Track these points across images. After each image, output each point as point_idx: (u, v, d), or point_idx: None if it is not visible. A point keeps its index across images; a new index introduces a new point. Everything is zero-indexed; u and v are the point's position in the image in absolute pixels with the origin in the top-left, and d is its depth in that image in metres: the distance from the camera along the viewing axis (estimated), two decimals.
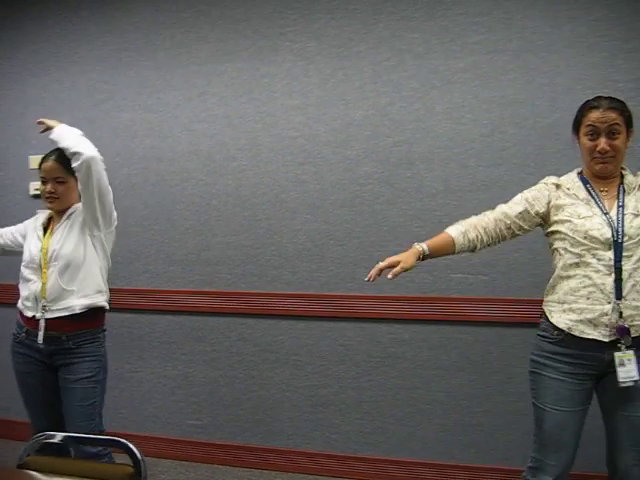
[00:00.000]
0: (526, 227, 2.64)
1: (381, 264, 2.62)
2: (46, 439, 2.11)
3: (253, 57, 3.87)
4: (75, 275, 2.96)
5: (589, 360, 2.48)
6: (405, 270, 2.58)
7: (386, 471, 3.77)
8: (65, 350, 2.95)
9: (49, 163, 3.03)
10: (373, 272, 2.63)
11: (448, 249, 2.68)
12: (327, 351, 3.84)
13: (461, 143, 3.57)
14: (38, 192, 4.23)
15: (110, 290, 4.05)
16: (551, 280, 2.63)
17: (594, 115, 2.52)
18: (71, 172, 3.01)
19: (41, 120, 3.06)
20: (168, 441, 4.13)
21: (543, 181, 2.70)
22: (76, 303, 2.95)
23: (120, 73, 4.15)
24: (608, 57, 3.36)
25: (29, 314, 2.98)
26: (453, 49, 3.56)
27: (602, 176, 2.55)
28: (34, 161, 4.31)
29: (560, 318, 2.52)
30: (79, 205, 3.05)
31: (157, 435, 4.13)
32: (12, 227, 3.24)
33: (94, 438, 2.10)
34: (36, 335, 2.95)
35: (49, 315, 2.93)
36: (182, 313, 4.08)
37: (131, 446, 1.96)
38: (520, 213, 2.62)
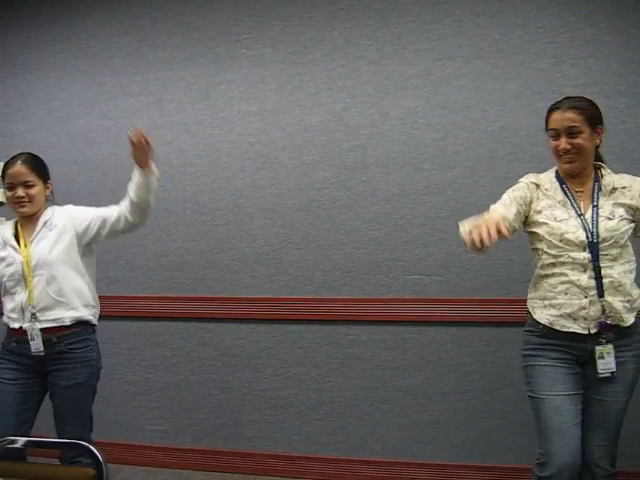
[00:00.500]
0: (517, 227, 2.66)
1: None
2: (8, 444, 2.13)
3: (210, 64, 3.91)
4: (63, 285, 2.95)
5: (574, 349, 2.59)
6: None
7: (348, 470, 3.83)
8: (56, 354, 2.94)
9: (16, 168, 2.99)
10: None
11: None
12: (287, 354, 3.89)
13: (415, 147, 3.65)
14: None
15: None
16: (533, 278, 2.73)
17: (555, 116, 2.61)
18: (38, 175, 3.03)
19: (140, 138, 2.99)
20: (129, 446, 4.14)
21: (524, 180, 2.74)
22: (65, 315, 2.96)
23: (76, 80, 4.15)
24: (555, 63, 3.46)
25: (16, 325, 2.96)
26: (406, 56, 3.64)
27: (572, 175, 2.63)
28: None
29: (542, 314, 2.63)
30: (51, 211, 3.06)
31: (118, 441, 4.13)
32: None
33: (56, 442, 2.11)
34: (26, 342, 2.92)
35: (38, 325, 2.91)
36: (142, 319, 4.09)
37: (92, 448, 1.99)
38: (515, 215, 2.62)
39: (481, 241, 2.24)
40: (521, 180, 2.76)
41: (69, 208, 3.12)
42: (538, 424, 2.65)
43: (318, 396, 3.87)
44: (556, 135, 2.60)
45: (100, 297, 4.05)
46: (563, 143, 2.57)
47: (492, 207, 2.66)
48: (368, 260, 3.73)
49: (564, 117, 2.57)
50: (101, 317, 4.08)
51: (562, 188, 2.65)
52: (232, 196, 3.91)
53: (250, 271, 3.90)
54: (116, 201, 4.06)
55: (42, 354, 2.92)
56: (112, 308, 4.10)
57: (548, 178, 2.70)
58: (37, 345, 2.92)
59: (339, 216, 3.76)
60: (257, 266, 3.89)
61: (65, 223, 3.02)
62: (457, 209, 3.60)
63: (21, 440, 2.18)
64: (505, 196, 2.71)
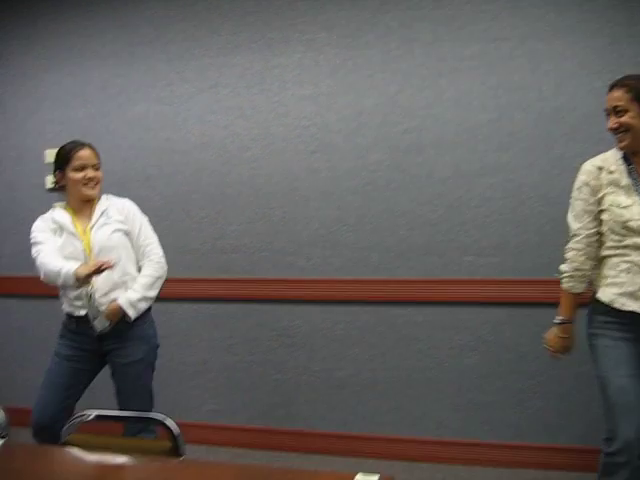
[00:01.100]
0: (596, 222, 2.66)
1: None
2: (84, 417, 2.21)
3: (264, 49, 3.95)
4: (124, 269, 3.05)
5: (637, 328, 2.59)
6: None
7: (402, 450, 3.87)
8: (115, 332, 3.03)
9: (87, 151, 3.07)
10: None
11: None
12: (342, 334, 3.94)
13: (470, 129, 3.66)
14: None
15: None
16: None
17: (608, 95, 2.60)
18: (99, 161, 3.13)
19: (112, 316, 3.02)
20: (187, 426, 4.19)
21: (586, 170, 2.69)
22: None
23: (133, 67, 4.22)
24: (611, 42, 3.44)
25: (82, 313, 3.02)
26: (460, 37, 3.64)
27: (630, 152, 2.60)
28: (50, 155, 4.39)
29: (604, 292, 2.64)
30: (106, 201, 3.15)
31: (176, 420, 4.21)
32: (47, 241, 3.08)
33: (132, 416, 2.19)
34: (87, 323, 3.01)
35: (101, 307, 2.99)
36: (199, 300, 4.18)
37: (168, 422, 2.07)
38: (591, 222, 2.65)
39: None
40: (583, 170, 2.71)
41: (128, 205, 3.20)
42: (604, 402, 2.66)
43: (373, 376, 3.91)
44: (608, 114, 2.60)
45: None
46: (611, 122, 2.58)
47: (574, 229, 2.71)
48: (423, 241, 3.75)
49: (612, 96, 2.57)
50: (159, 299, 4.19)
51: (628, 170, 2.61)
52: (287, 179, 3.96)
53: (305, 253, 3.96)
54: (172, 185, 4.17)
55: (108, 330, 3.02)
56: (169, 290, 4.17)
57: (614, 159, 2.65)
58: (101, 323, 3.01)
59: (394, 198, 3.78)
60: (312, 248, 3.94)
61: (124, 217, 3.12)
62: (512, 190, 3.60)
63: (94, 413, 2.26)
64: (578, 207, 2.70)
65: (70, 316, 3.07)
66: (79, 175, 3.05)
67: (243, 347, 4.12)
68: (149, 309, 3.19)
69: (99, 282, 2.97)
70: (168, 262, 4.17)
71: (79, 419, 2.21)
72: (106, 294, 3.00)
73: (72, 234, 3.04)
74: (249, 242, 4.05)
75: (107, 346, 3.06)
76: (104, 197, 3.17)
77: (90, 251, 3.00)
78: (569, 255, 2.71)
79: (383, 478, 1.72)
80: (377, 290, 3.84)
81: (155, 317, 4.15)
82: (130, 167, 4.24)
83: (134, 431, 2.94)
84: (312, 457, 3.95)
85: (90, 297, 2.99)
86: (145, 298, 3.05)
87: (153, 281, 3.09)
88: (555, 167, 3.53)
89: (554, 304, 3.58)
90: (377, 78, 3.77)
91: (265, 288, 4.03)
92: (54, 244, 3.04)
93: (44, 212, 4.35)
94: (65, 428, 2.18)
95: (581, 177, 2.70)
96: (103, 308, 2.99)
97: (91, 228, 3.05)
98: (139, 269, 3.17)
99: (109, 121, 4.29)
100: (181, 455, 2.02)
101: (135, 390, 3.08)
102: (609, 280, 2.63)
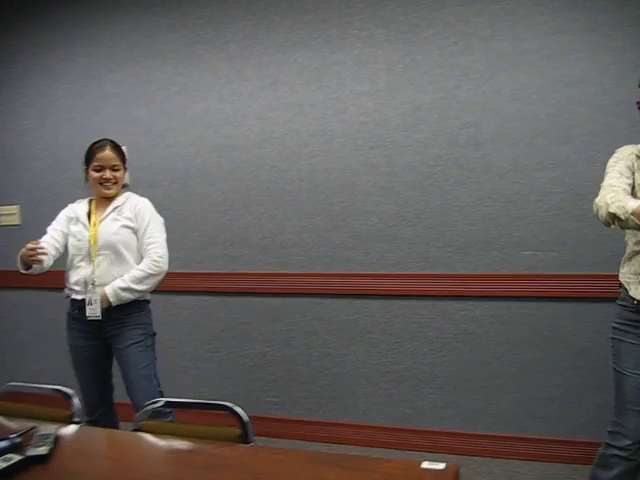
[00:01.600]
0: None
1: None
2: (155, 405, 2.29)
3: (322, 46, 3.99)
4: (125, 267, 3.22)
5: None
6: None
7: (461, 443, 3.89)
8: (113, 320, 3.21)
9: (106, 152, 3.26)
10: None
11: None
12: (400, 328, 3.97)
13: (528, 123, 3.65)
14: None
15: (187, 274, 4.29)
16: (626, 253, 2.68)
17: None
18: (122, 160, 3.32)
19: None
20: (251, 418, 4.29)
21: (620, 151, 2.65)
22: None
23: (193, 65, 4.31)
24: None
25: (79, 297, 3.23)
26: (519, 31, 3.63)
27: None
28: None
29: (637, 290, 2.59)
30: (125, 198, 3.34)
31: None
32: (51, 231, 3.33)
33: (201, 403, 2.25)
34: (84, 307, 3.19)
35: (97, 296, 3.17)
36: (258, 294, 4.24)
37: (237, 409, 2.13)
38: (629, 185, 2.51)
39: None
40: (619, 150, 2.66)
41: (141, 204, 3.35)
42: (618, 397, 2.66)
43: (431, 370, 3.93)
44: None
45: (217, 274, 4.29)
46: None
47: (608, 183, 2.51)
48: (482, 236, 3.76)
49: None
50: (218, 293, 4.30)
51: None
52: (346, 174, 4.00)
53: (364, 248, 3.99)
54: (231, 181, 4.24)
55: (99, 318, 3.17)
56: (230, 285, 4.28)
57: None
58: (94, 310, 3.17)
59: (452, 193, 3.80)
60: (371, 243, 3.97)
61: (133, 215, 3.28)
62: (572, 185, 3.58)
63: (163, 401, 2.34)
64: (613, 171, 2.58)
65: (71, 301, 3.29)
66: (97, 175, 3.27)
67: (302, 341, 4.18)
68: (147, 301, 3.37)
69: (98, 272, 3.18)
70: (229, 257, 4.28)
71: (151, 406, 2.29)
72: (103, 285, 3.17)
73: (83, 225, 3.27)
74: (308, 237, 4.10)
75: (107, 332, 3.25)
76: (125, 195, 3.36)
77: (95, 242, 3.21)
78: (609, 197, 2.42)
79: (449, 467, 1.75)
80: (435, 285, 3.86)
81: (216, 311, 4.27)
82: (191, 164, 4.33)
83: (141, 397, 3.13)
84: (370, 450, 3.98)
85: (87, 285, 3.19)
86: (130, 289, 3.17)
87: (144, 276, 3.20)
88: None
89: (613, 299, 3.57)
90: (435, 73, 3.79)
91: (324, 282, 4.08)
92: (54, 232, 3.30)
93: None
94: (137, 415, 2.25)
95: (615, 155, 2.65)
96: (99, 298, 3.17)
97: (101, 221, 3.25)
98: None
99: (170, 119, 4.38)
100: (250, 441, 2.07)
101: (138, 372, 3.23)
102: None
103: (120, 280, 3.16)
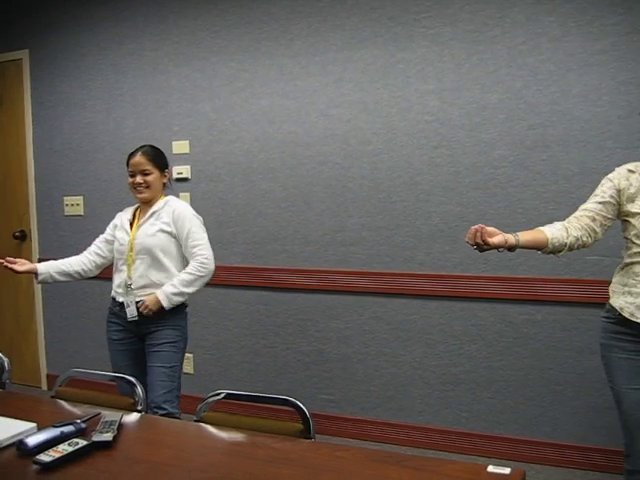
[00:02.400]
0: (610, 216, 2.62)
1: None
2: (215, 396, 2.31)
3: (388, 43, 3.97)
4: (159, 270, 3.32)
5: None
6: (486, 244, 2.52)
7: (517, 450, 3.83)
8: (151, 319, 3.29)
9: (136, 158, 3.38)
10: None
11: (540, 242, 2.64)
12: (459, 330, 3.92)
13: (598, 125, 3.57)
14: (181, 176, 4.54)
15: (247, 269, 4.30)
16: (620, 265, 2.68)
17: None
18: (156, 164, 3.39)
19: (146, 307, 3.27)
20: None
21: (615, 171, 2.67)
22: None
23: (258, 62, 4.33)
24: None
25: (120, 299, 3.35)
26: (590, 31, 3.55)
27: None
28: (177, 146, 4.58)
29: (618, 299, 2.59)
30: (163, 203, 3.41)
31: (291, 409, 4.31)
32: (97, 239, 3.56)
33: (264, 397, 2.27)
34: (124, 308, 3.32)
35: (134, 298, 3.30)
36: (317, 291, 4.24)
37: (300, 404, 2.14)
38: (599, 203, 2.60)
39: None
40: (616, 169, 2.67)
41: (180, 209, 3.38)
42: (620, 416, 2.60)
43: (489, 374, 3.88)
44: None
45: (276, 270, 4.30)
46: None
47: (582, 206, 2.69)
48: None
49: None
50: (277, 289, 4.31)
51: None
52: (409, 174, 3.97)
53: (425, 248, 3.96)
54: (294, 177, 4.25)
55: (136, 319, 3.29)
56: (288, 280, 4.29)
57: None
58: (132, 312, 3.29)
59: (516, 195, 3.74)
60: (432, 243, 3.94)
61: (171, 220, 3.34)
62: None
63: (223, 393, 2.36)
64: (598, 189, 2.68)
65: (113, 299, 3.43)
66: (130, 180, 3.40)
67: (359, 339, 4.17)
68: (184, 304, 3.41)
69: (135, 276, 3.30)
70: (288, 252, 4.30)
71: (212, 398, 2.31)
72: (141, 288, 3.30)
73: (125, 230, 3.40)
74: (368, 235, 4.09)
75: (144, 330, 3.34)
76: (164, 200, 3.43)
77: (132, 246, 3.32)
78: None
79: (515, 471, 1.72)
80: (496, 287, 3.81)
81: (275, 306, 4.29)
82: (254, 159, 4.36)
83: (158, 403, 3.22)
84: (424, 452, 3.96)
85: (127, 287, 3.31)
86: (181, 293, 3.25)
87: (193, 279, 3.26)
88: None
89: None
90: (502, 73, 3.73)
91: (383, 281, 4.06)
92: (99, 240, 3.53)
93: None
94: (200, 406, 2.28)
95: (607, 176, 2.66)
96: (136, 299, 3.29)
97: (140, 227, 3.36)
98: None
99: (235, 114, 4.41)
100: (312, 437, 2.07)
101: (165, 371, 3.29)
102: (625, 288, 2.56)
103: (170, 285, 3.24)
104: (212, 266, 3.30)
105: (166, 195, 3.48)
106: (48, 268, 3.36)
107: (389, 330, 4.08)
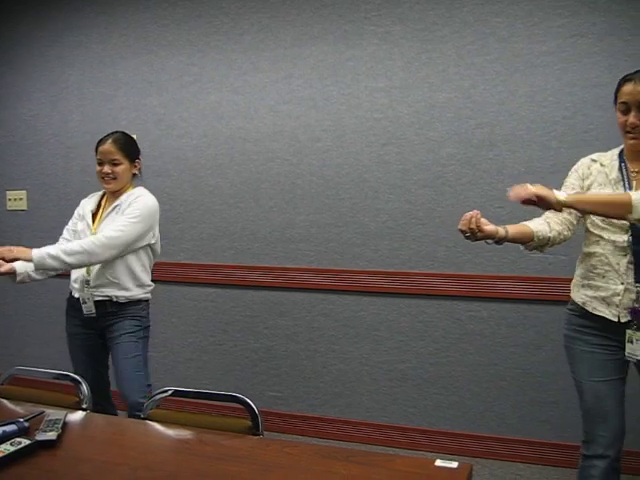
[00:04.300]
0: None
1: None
2: (162, 393, 2.28)
3: (338, 41, 3.98)
4: (117, 267, 3.15)
5: (610, 334, 2.53)
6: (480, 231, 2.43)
7: (463, 445, 3.88)
8: (109, 313, 3.18)
9: (106, 146, 3.20)
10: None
11: (526, 235, 2.58)
12: (406, 327, 3.95)
13: (543, 125, 3.63)
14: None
15: (194, 265, 4.26)
16: (580, 255, 2.67)
17: (626, 89, 2.45)
18: (126, 154, 3.23)
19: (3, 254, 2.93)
20: None
21: (580, 162, 2.69)
22: (118, 294, 3.17)
23: (207, 56, 4.29)
24: None
25: (76, 295, 3.22)
26: (537, 32, 3.61)
27: (635, 151, 2.51)
28: None
29: (578, 293, 2.61)
30: (126, 196, 3.21)
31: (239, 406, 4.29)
32: (65, 231, 3.36)
33: (213, 394, 2.24)
34: (84, 302, 3.18)
35: (91, 295, 3.16)
36: (265, 288, 4.23)
37: (248, 401, 2.12)
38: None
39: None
40: (580, 159, 2.70)
41: (140, 195, 3.22)
42: (581, 405, 2.64)
43: (436, 370, 3.92)
44: (626, 109, 2.46)
45: (225, 266, 4.27)
46: (632, 117, 2.43)
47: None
48: None
49: (637, 90, 2.41)
50: (226, 286, 4.28)
51: (620, 166, 2.53)
52: (357, 171, 3.98)
53: (373, 245, 3.98)
54: (242, 173, 4.23)
55: (93, 315, 3.17)
56: (236, 277, 4.27)
57: (611, 154, 2.60)
58: (89, 308, 3.16)
59: (464, 193, 3.78)
60: (380, 240, 3.96)
61: (125, 206, 3.18)
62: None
63: (170, 390, 2.33)
64: (566, 181, 2.70)
65: (70, 294, 3.30)
66: (98, 169, 3.24)
67: (307, 336, 4.17)
68: (146, 300, 3.29)
69: (93, 273, 3.14)
70: (236, 249, 4.28)
71: (159, 395, 2.28)
72: (98, 287, 3.14)
73: (87, 223, 3.23)
74: (317, 232, 4.09)
75: (102, 323, 3.20)
76: (133, 191, 3.26)
77: None
78: None
79: (462, 465, 1.74)
80: (443, 284, 3.85)
81: (222, 304, 4.25)
82: (202, 155, 4.32)
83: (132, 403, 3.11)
84: (371, 448, 3.97)
85: (84, 284, 3.16)
86: (58, 258, 2.92)
87: (78, 251, 2.95)
88: None
89: None
90: (451, 72, 3.77)
91: (331, 278, 4.06)
92: (66, 232, 3.33)
93: None
94: (146, 404, 2.25)
95: (573, 167, 2.70)
96: (93, 298, 3.15)
97: (102, 220, 3.20)
98: (150, 271, 3.32)
99: (183, 109, 4.37)
100: (261, 434, 2.06)
101: (128, 362, 3.18)
102: (585, 281, 2.58)
103: (52, 247, 2.97)
104: (106, 253, 3.00)
105: (134, 186, 3.30)
106: (25, 267, 3.05)
107: (337, 327, 4.09)
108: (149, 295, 3.31)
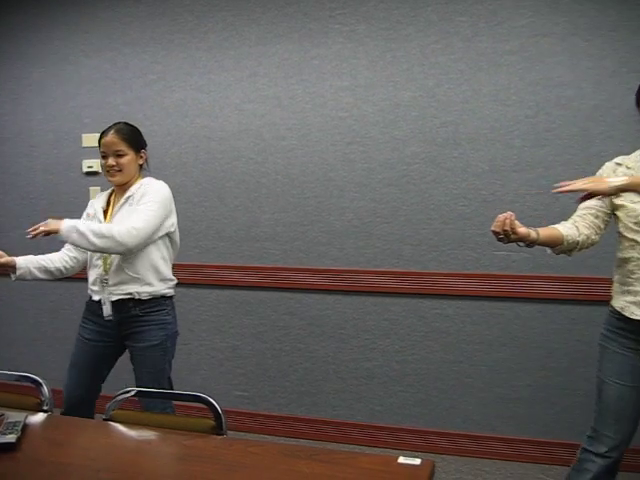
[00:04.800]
0: (609, 211, 2.59)
1: None
2: (125, 394, 2.26)
3: (303, 39, 3.97)
4: (137, 261, 2.98)
5: None
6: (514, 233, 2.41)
7: (429, 442, 3.90)
8: (132, 318, 3.01)
9: (108, 137, 3.03)
10: None
11: (556, 239, 2.56)
12: (372, 325, 3.96)
13: (507, 124, 3.67)
14: (91, 169, 4.42)
15: None
16: (615, 261, 2.64)
17: None
18: (130, 144, 3.05)
19: (36, 229, 2.83)
20: None
21: (604, 166, 2.66)
22: (140, 290, 3.00)
23: (172, 54, 4.26)
24: None
25: (96, 298, 3.05)
26: (500, 32, 3.64)
27: None
28: (87, 139, 4.46)
29: (618, 300, 2.58)
30: (137, 187, 3.06)
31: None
32: None
33: (175, 393, 2.23)
34: (105, 304, 3.02)
35: (114, 298, 2.99)
36: (231, 287, 4.21)
37: (211, 400, 2.11)
38: (598, 199, 2.53)
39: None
40: (605, 163, 2.67)
41: (150, 183, 3.09)
42: (598, 403, 2.65)
43: (402, 368, 3.94)
44: None
45: (191, 266, 4.24)
46: None
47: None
48: (456, 235, 3.77)
49: None
50: (191, 285, 4.25)
51: None
52: (322, 169, 3.98)
53: (338, 243, 3.98)
54: (207, 172, 4.21)
55: (112, 319, 3.01)
56: (202, 277, 4.25)
57: (635, 156, 2.59)
58: (108, 311, 3.01)
59: (428, 191, 3.80)
60: (345, 239, 3.96)
61: (139, 198, 3.02)
62: (547, 187, 3.58)
63: (135, 389, 2.31)
64: None
65: (89, 298, 3.11)
66: (102, 162, 3.09)
67: (273, 335, 4.16)
68: (171, 298, 3.16)
69: (111, 270, 2.99)
70: (201, 248, 4.26)
71: (122, 396, 2.25)
72: (117, 284, 2.99)
73: (99, 221, 3.05)
74: (282, 231, 4.08)
75: (125, 331, 3.04)
76: (142, 181, 3.10)
77: None
78: None
79: (425, 462, 1.75)
80: (409, 282, 3.86)
81: (188, 303, 4.22)
82: (166, 154, 4.28)
83: (153, 408, 2.91)
84: (338, 446, 3.98)
85: (102, 283, 3.01)
86: (85, 236, 2.80)
87: (107, 235, 2.82)
88: (591, 164, 3.47)
89: (585, 301, 3.63)
90: (415, 71, 3.79)
91: (297, 277, 4.06)
92: None
93: (79, 195, 4.44)
94: (108, 404, 2.22)
95: (597, 172, 2.67)
96: (113, 297, 2.99)
97: (114, 214, 3.05)
98: (171, 264, 3.18)
99: (147, 107, 4.33)
100: (224, 433, 2.05)
101: (150, 376, 3.02)
102: (624, 287, 2.56)
103: (83, 223, 2.84)
104: (132, 242, 2.85)
105: (143, 177, 3.15)
106: (27, 263, 2.97)
107: (303, 326, 4.09)
108: (173, 291, 3.17)
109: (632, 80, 3.41)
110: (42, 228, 2.80)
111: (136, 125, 3.99)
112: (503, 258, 3.71)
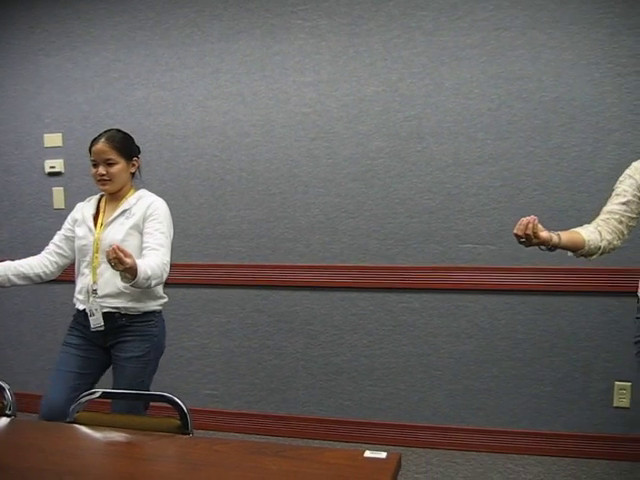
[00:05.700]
0: (634, 215, 2.55)
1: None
2: (90, 395, 2.24)
3: (265, 35, 3.96)
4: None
5: None
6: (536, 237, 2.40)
7: (399, 435, 3.91)
8: (117, 328, 2.94)
9: (99, 145, 2.95)
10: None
11: (578, 243, 2.52)
12: (340, 320, 3.97)
13: (469, 117, 3.69)
14: (54, 170, 4.37)
15: None
16: None
17: None
18: (121, 153, 2.98)
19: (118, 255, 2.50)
20: None
21: (632, 166, 2.59)
22: (128, 306, 2.93)
23: (133, 52, 4.22)
24: (611, 33, 3.47)
25: (81, 307, 2.98)
26: (461, 26, 3.66)
27: None
28: (49, 139, 4.41)
29: None
30: (134, 200, 3.00)
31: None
32: (56, 236, 3.12)
33: (140, 393, 2.21)
34: (92, 315, 2.94)
35: (99, 305, 2.92)
36: (197, 285, 4.19)
37: (177, 400, 2.09)
38: (623, 204, 2.53)
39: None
40: (634, 163, 2.61)
41: (155, 205, 2.99)
42: None
43: (370, 362, 3.95)
44: None
45: None
46: None
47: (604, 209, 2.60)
48: (422, 229, 3.78)
49: None
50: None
51: None
52: (287, 165, 3.97)
53: (304, 239, 3.98)
54: (171, 170, 4.18)
55: (101, 329, 2.93)
56: (168, 275, 4.20)
57: None
58: (97, 321, 2.92)
59: (393, 185, 3.81)
60: (311, 235, 3.96)
61: (147, 215, 2.95)
62: (511, 179, 3.64)
63: (100, 391, 2.28)
64: (618, 188, 2.60)
65: (77, 312, 3.04)
66: (93, 171, 2.99)
67: (241, 332, 4.15)
68: (158, 311, 3.09)
69: (101, 280, 2.92)
70: None
71: (86, 397, 2.23)
72: (106, 296, 2.92)
73: (88, 228, 2.98)
74: (248, 228, 4.07)
75: (111, 340, 2.98)
76: (140, 195, 3.05)
77: (98, 247, 2.93)
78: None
79: (390, 456, 1.75)
80: (375, 277, 3.87)
81: None
82: None
83: (124, 411, 2.85)
84: (309, 442, 3.97)
85: (90, 293, 2.94)
86: (147, 279, 2.67)
87: (159, 274, 2.77)
88: (553, 156, 3.57)
89: (550, 292, 3.67)
90: (378, 66, 3.79)
91: (264, 274, 4.05)
92: (57, 237, 3.09)
93: (42, 196, 4.38)
94: (73, 406, 2.20)
95: (626, 172, 2.61)
96: (102, 310, 2.91)
97: (107, 225, 2.96)
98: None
99: (109, 106, 4.28)
100: (190, 433, 2.04)
101: (129, 388, 2.91)
102: None
103: (149, 268, 2.67)
104: (167, 276, 2.85)
105: (136, 187, 3.09)
106: (5, 270, 2.89)
107: (271, 322, 4.08)
108: (161, 307, 3.10)
109: (591, 72, 3.48)
110: (126, 260, 2.51)
111: (98, 124, 3.96)
112: (469, 251, 3.73)
